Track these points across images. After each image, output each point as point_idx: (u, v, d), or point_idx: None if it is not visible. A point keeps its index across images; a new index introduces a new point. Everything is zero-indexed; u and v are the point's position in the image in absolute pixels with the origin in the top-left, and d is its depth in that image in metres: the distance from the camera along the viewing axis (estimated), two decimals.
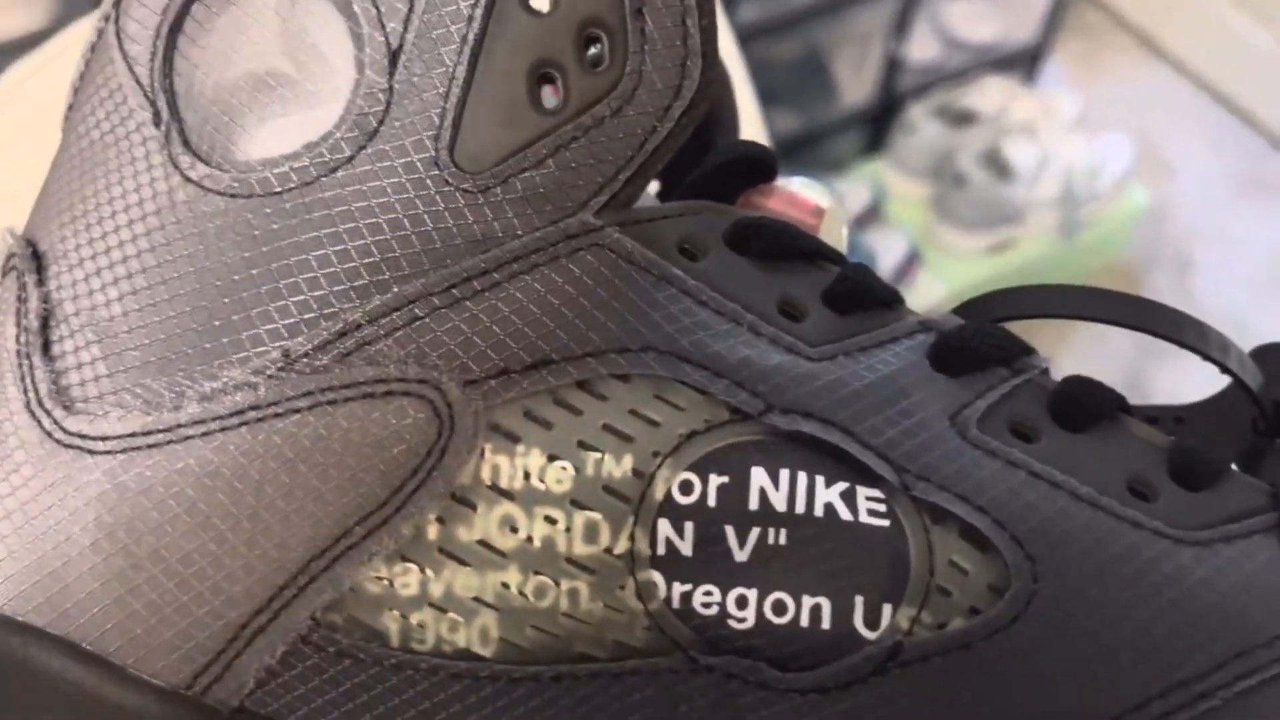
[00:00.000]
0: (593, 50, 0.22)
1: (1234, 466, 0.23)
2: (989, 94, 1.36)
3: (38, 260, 0.23)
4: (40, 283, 0.23)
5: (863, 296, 0.23)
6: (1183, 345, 0.23)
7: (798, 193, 0.25)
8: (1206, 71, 0.94)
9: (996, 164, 1.27)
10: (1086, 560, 0.21)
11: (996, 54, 1.43)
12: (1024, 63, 1.44)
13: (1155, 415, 0.26)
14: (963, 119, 1.34)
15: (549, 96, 0.22)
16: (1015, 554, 0.21)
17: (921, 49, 1.41)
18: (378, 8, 0.22)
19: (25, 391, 0.22)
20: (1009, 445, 0.22)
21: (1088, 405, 0.23)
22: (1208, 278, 0.76)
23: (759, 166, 0.25)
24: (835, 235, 0.25)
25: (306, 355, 0.21)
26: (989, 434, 0.22)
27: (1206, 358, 0.23)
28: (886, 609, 0.21)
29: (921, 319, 0.23)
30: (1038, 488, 0.21)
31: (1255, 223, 0.82)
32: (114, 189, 0.23)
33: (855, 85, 1.40)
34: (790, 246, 0.23)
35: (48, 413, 0.22)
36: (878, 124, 1.44)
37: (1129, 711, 0.21)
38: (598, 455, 0.21)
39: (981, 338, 0.23)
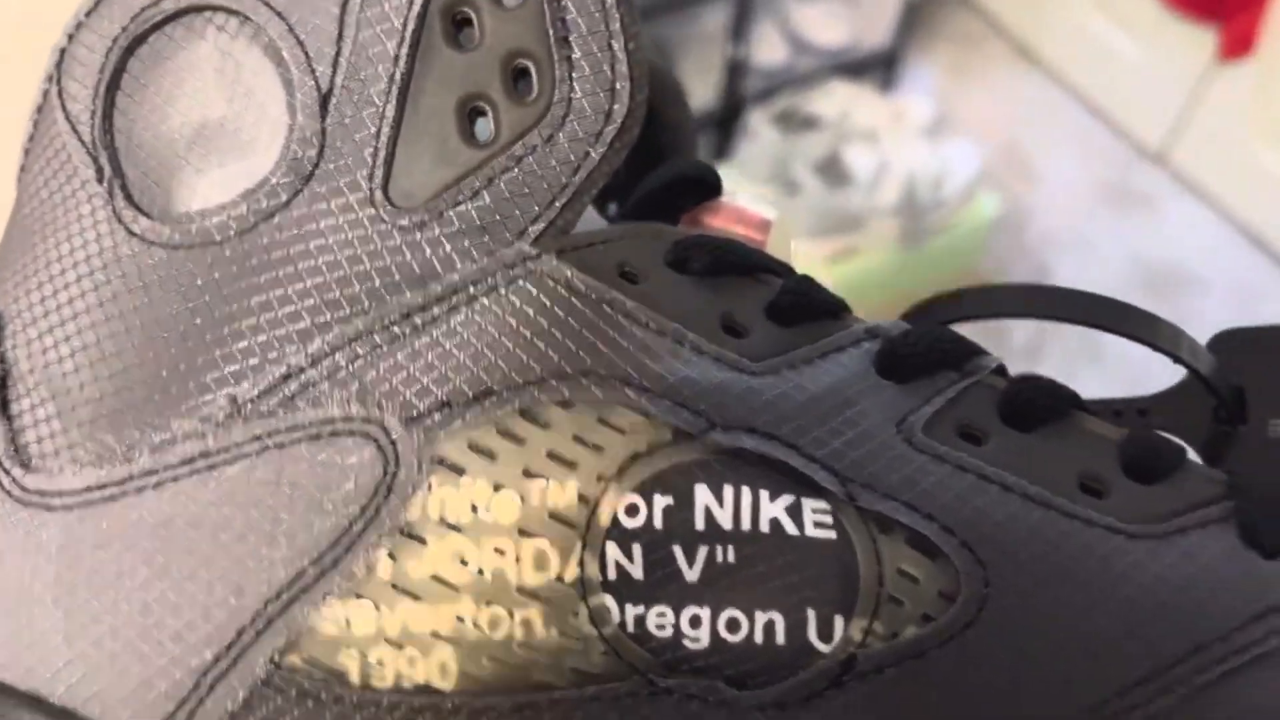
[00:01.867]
0: (521, 81, 0.22)
1: (1194, 456, 0.23)
2: (833, 99, 1.33)
3: None
4: None
5: (806, 308, 0.23)
6: (1133, 338, 0.23)
7: (744, 207, 0.25)
8: (1078, 80, 0.94)
9: (834, 170, 1.24)
10: (1038, 562, 0.21)
11: (849, 58, 1.39)
12: (879, 67, 1.40)
13: (1119, 408, 0.26)
14: (804, 124, 1.32)
15: (482, 129, 0.22)
16: (965, 559, 0.21)
17: (768, 52, 1.39)
18: (306, 53, 0.22)
19: None
20: (957, 449, 0.22)
21: (1037, 404, 0.22)
22: (1064, 286, 0.76)
23: (702, 185, 0.25)
24: (782, 248, 0.25)
25: (252, 401, 0.21)
26: (936, 439, 0.22)
27: (1157, 349, 0.23)
28: (839, 621, 0.21)
29: (868, 326, 0.23)
30: (987, 491, 0.21)
31: (1116, 231, 0.81)
32: (62, 246, 0.23)
33: (699, 88, 1.37)
34: (731, 262, 0.23)
35: (6, 472, 0.22)
36: (721, 129, 1.42)
37: (1085, 712, 0.21)
38: (543, 483, 0.21)
39: (928, 341, 0.23)
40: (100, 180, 0.23)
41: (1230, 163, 1.02)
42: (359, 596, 0.21)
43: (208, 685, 0.21)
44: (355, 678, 0.21)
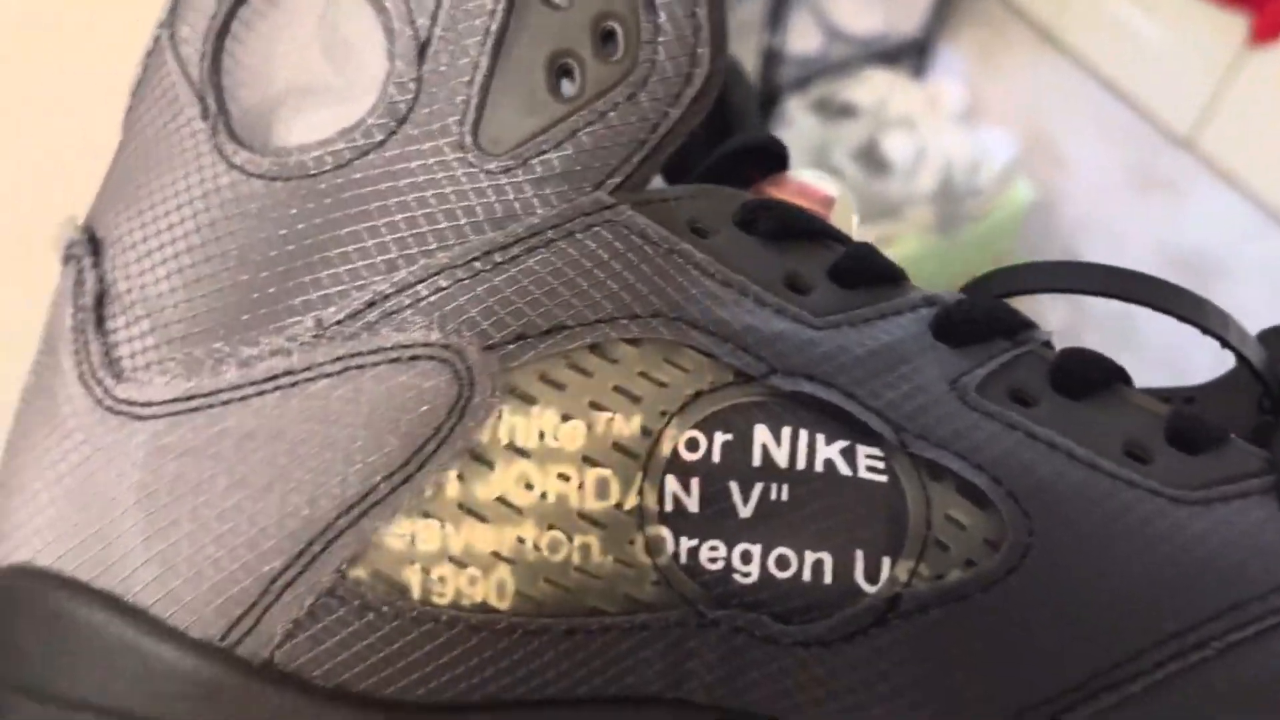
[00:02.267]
0: (608, 41, 0.23)
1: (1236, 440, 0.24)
2: (870, 86, 1.31)
3: (95, 246, 0.25)
4: (96, 265, 0.24)
5: (868, 272, 0.24)
6: (1181, 319, 0.24)
7: (808, 183, 0.26)
8: (1104, 65, 0.93)
9: (872, 158, 1.23)
10: (1082, 516, 0.22)
11: (882, 46, 1.39)
12: (912, 55, 1.39)
13: (1166, 395, 0.26)
14: (841, 112, 1.31)
15: (567, 84, 0.24)
16: (1011, 509, 0.21)
17: (803, 40, 1.38)
18: (408, 3, 0.24)
19: (79, 364, 0.24)
20: (1007, 409, 0.22)
21: (1088, 374, 0.23)
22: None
23: (770, 157, 0.26)
24: (845, 224, 0.26)
25: (337, 324, 0.22)
26: (988, 399, 0.22)
27: (1206, 331, 0.24)
28: (886, 562, 0.22)
29: (926, 294, 0.24)
30: (1035, 448, 0.22)
31: (1144, 217, 0.81)
32: (165, 177, 0.24)
33: None
34: (797, 226, 0.24)
35: (99, 382, 0.23)
36: (759, 116, 1.43)
37: (1123, 662, 0.21)
38: (608, 415, 0.22)
39: (983, 310, 0.23)
40: (205, 117, 0.24)
41: (1260, 148, 1.01)
42: (426, 515, 0.22)
43: (275, 592, 0.22)
44: (416, 593, 0.22)
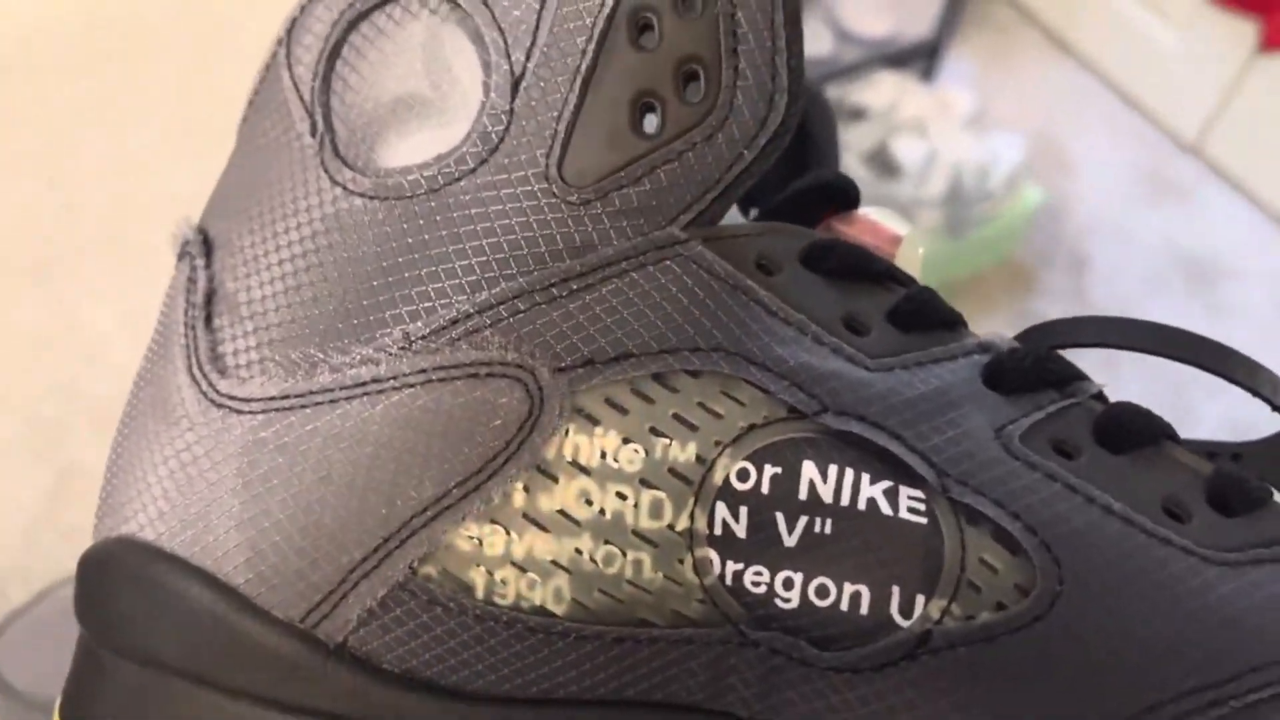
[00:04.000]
0: (690, 83, 0.25)
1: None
2: (881, 90, 1.31)
3: (207, 246, 0.27)
4: (208, 265, 0.26)
5: (926, 317, 0.25)
6: (1232, 380, 0.24)
7: (878, 221, 0.27)
8: (1113, 69, 0.91)
9: (882, 161, 1.22)
10: (1112, 569, 0.22)
11: (892, 49, 1.37)
12: (922, 58, 1.37)
13: (1214, 450, 0.27)
14: (851, 115, 1.30)
15: (649, 122, 0.25)
16: (1043, 558, 0.22)
17: (813, 43, 1.36)
18: (505, 40, 0.25)
19: (189, 357, 0.26)
20: (1048, 459, 0.23)
21: (1132, 429, 0.24)
22: (1102, 276, 0.74)
23: (841, 195, 0.28)
24: (911, 262, 0.27)
25: (423, 338, 0.24)
26: (1031, 448, 0.23)
27: (1256, 394, 0.24)
28: (920, 599, 0.23)
29: (980, 341, 0.25)
30: (1071, 500, 0.23)
31: (1153, 222, 0.79)
32: (274, 188, 0.26)
33: None
34: (860, 267, 0.25)
35: (205, 376, 0.25)
36: None
37: (1142, 713, 0.22)
38: (666, 441, 0.23)
39: (1035, 359, 0.24)
40: (313, 134, 0.26)
41: (1268, 154, 0.98)
42: (494, 521, 0.24)
43: (352, 582, 0.24)
44: (480, 593, 0.24)
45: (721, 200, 0.25)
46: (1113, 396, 0.25)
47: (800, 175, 0.29)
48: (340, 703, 0.24)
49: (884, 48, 1.41)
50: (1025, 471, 0.23)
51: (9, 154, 0.69)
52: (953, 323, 0.25)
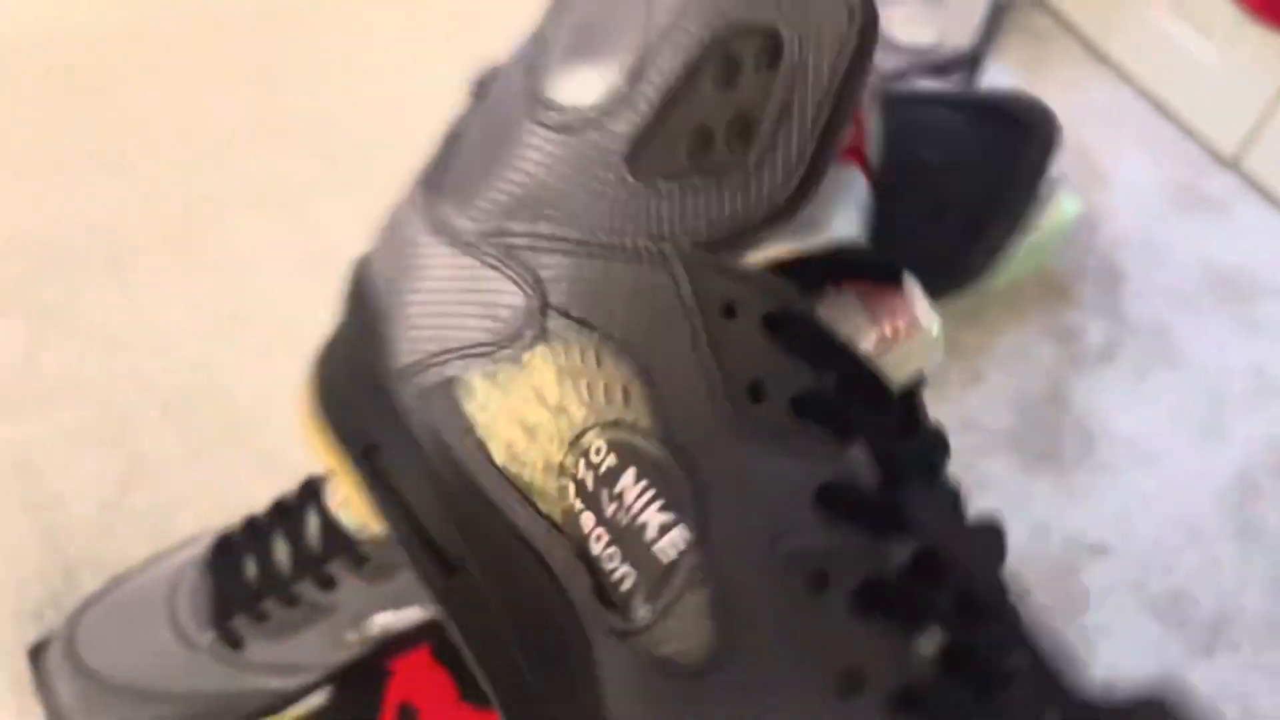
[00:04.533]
0: (745, 132, 0.28)
1: None
2: None
3: (484, 92, 0.34)
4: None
5: (822, 413, 0.27)
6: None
7: (908, 301, 0.29)
8: (1149, 82, 0.91)
9: None
10: None
11: (934, 58, 1.38)
12: (963, 68, 1.34)
13: None
14: None
15: (701, 150, 0.28)
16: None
17: None
18: (641, 61, 0.29)
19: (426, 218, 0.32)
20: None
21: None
22: (1135, 288, 0.75)
23: (885, 270, 0.30)
24: (919, 355, 0.29)
25: (485, 235, 0.31)
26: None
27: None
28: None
29: (848, 466, 0.27)
30: None
31: (1188, 235, 0.79)
32: (505, 106, 0.33)
33: None
34: (815, 348, 0.28)
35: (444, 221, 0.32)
36: None
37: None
38: (575, 395, 0.29)
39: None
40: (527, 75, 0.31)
41: None
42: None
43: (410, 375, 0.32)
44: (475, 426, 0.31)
45: (726, 242, 0.28)
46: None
47: (1006, 186, 0.30)
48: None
49: (925, 56, 1.41)
50: None
51: (85, 151, 0.71)
52: (845, 431, 0.27)
